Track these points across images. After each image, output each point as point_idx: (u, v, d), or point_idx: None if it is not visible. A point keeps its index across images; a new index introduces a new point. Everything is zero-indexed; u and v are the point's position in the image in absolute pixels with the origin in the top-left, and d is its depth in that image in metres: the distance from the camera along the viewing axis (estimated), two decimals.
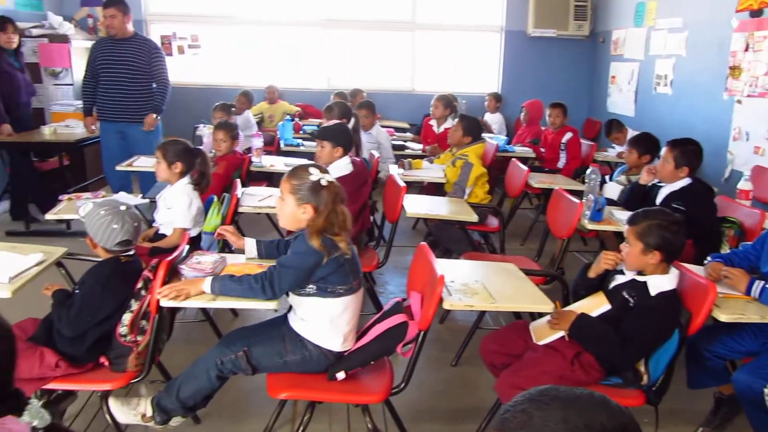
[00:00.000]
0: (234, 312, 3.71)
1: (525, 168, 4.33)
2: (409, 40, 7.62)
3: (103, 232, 2.22)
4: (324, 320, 2.21)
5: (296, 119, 6.48)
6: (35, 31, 6.12)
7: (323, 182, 2.18)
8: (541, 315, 2.53)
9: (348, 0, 7.51)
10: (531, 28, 7.37)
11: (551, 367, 2.27)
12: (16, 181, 5.41)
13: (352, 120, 4.27)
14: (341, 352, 2.25)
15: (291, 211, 2.20)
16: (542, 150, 5.78)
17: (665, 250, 2.23)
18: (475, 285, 2.40)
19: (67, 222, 5.04)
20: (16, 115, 5.24)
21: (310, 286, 2.19)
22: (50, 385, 2.17)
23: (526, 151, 5.81)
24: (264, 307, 2.23)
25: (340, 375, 2.20)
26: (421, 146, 5.92)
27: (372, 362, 2.27)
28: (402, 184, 3.49)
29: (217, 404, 2.49)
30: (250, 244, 2.59)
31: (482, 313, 3.40)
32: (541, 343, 2.34)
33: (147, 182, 5.05)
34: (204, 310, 3.32)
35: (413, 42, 7.62)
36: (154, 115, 5.08)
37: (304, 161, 4.71)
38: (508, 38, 7.57)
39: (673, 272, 2.28)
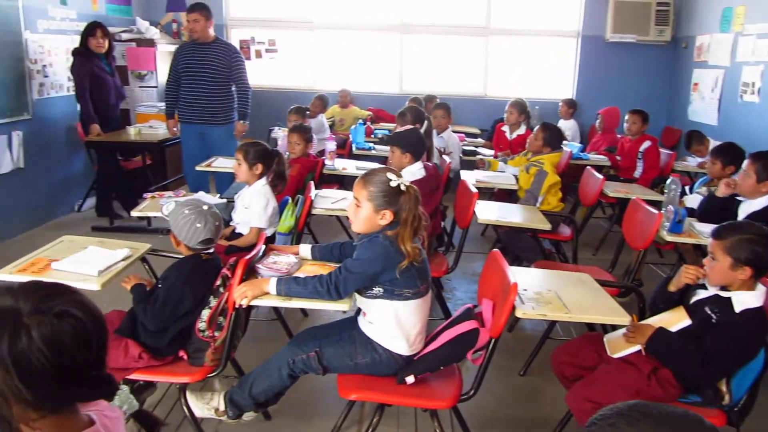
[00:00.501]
0: (304, 312, 3.78)
1: (600, 176, 4.23)
2: (482, 45, 7.57)
3: (187, 230, 2.31)
4: (391, 322, 2.22)
5: (368, 123, 6.54)
6: (124, 36, 6.42)
7: (402, 187, 2.19)
8: (614, 327, 2.47)
9: (424, 5, 7.52)
10: (609, 34, 7.19)
11: (626, 381, 2.21)
12: (102, 178, 5.67)
13: (425, 124, 4.29)
14: (410, 355, 2.26)
15: (367, 217, 2.21)
16: (618, 158, 5.62)
17: (756, 265, 2.13)
18: (549, 294, 2.36)
19: (148, 219, 5.27)
20: (105, 116, 5.49)
21: (377, 288, 2.21)
22: (133, 376, 2.26)
23: (601, 159, 5.66)
24: (334, 308, 2.27)
25: (410, 379, 2.21)
26: (492, 152, 5.87)
27: (441, 367, 2.27)
28: (474, 190, 3.47)
29: (287, 402, 2.55)
30: (304, 249, 2.64)
31: (553, 323, 3.34)
32: (616, 356, 2.28)
33: (223, 182, 5.23)
34: (276, 310, 3.39)
35: (487, 47, 7.57)
36: (242, 122, 5.25)
37: (376, 165, 4.79)
38: (585, 43, 7.41)
39: (760, 288, 2.17)
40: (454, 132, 5.59)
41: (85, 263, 2.38)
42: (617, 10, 7.10)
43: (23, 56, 5.11)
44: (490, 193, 4.95)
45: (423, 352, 2.27)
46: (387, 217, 2.18)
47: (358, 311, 2.38)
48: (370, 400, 2.24)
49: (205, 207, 2.35)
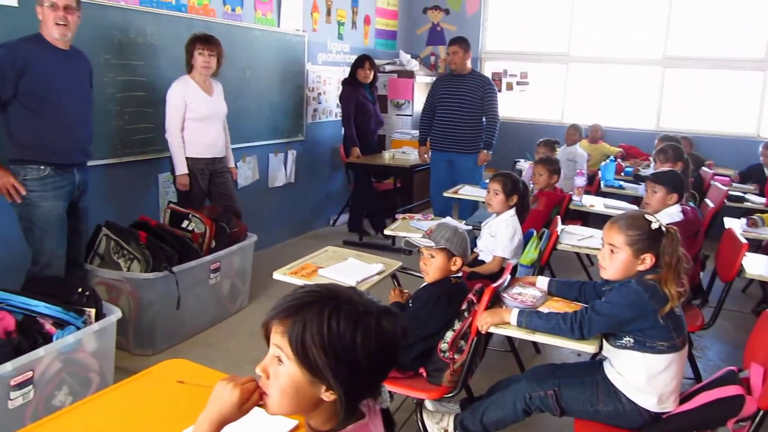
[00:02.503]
0: (537, 348, 3.70)
1: None
2: (759, 79, 6.79)
3: (466, 246, 2.45)
4: (641, 376, 2.09)
5: (618, 160, 6.24)
6: (388, 67, 6.96)
7: (663, 229, 2.07)
8: None
9: (693, 37, 6.98)
10: None
11: None
12: (356, 197, 6.16)
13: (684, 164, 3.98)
14: (659, 413, 2.10)
15: (625, 263, 2.12)
16: None
17: None
18: None
19: (393, 238, 5.60)
20: (365, 141, 5.98)
21: (627, 338, 2.10)
22: None
23: None
24: (571, 347, 2.20)
25: None
26: (764, 200, 5.22)
27: None
28: (743, 240, 3.13)
29: None
30: (542, 281, 2.60)
31: None
32: None
33: (466, 209, 5.37)
34: (510, 341, 3.37)
35: (765, 81, 6.77)
36: (486, 151, 5.37)
37: (626, 204, 4.56)
38: None
39: None
40: (717, 175, 5.10)
41: (345, 273, 2.61)
42: None
43: (304, 85, 5.80)
44: (757, 245, 4.41)
45: (674, 411, 2.09)
46: (647, 261, 2.08)
47: (598, 354, 2.27)
48: None
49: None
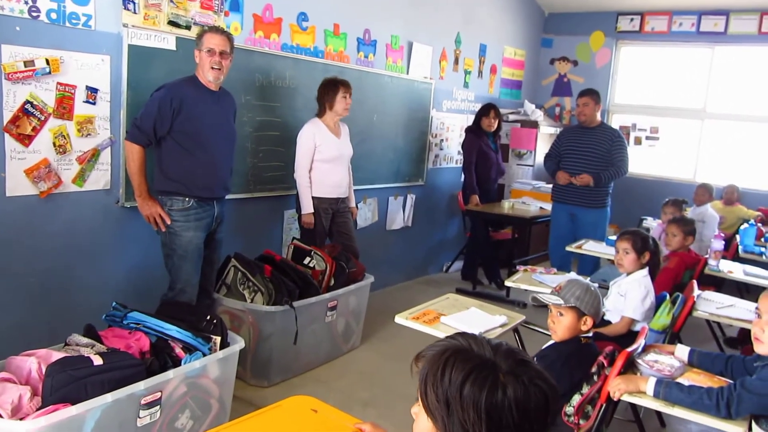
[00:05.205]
0: (662, 421, 3.44)
1: None
2: None
3: (599, 304, 2.36)
4: None
5: (758, 225, 5.78)
6: (511, 117, 6.92)
7: None
8: None
9: None
10: None
11: None
12: (472, 245, 6.09)
13: None
14: None
15: None
16: None
17: None
18: None
19: (508, 290, 5.47)
20: (484, 189, 5.92)
21: None
22: None
23: None
24: (701, 424, 2.04)
25: None
26: None
27: None
28: None
29: None
30: (681, 350, 2.44)
31: None
32: None
33: (586, 265, 5.16)
34: (635, 410, 3.16)
35: None
36: (592, 180, 5.08)
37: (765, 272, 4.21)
38: None
39: None
40: None
41: (467, 323, 2.56)
42: None
43: (427, 131, 5.87)
44: None
45: None
46: None
47: None
48: None
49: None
